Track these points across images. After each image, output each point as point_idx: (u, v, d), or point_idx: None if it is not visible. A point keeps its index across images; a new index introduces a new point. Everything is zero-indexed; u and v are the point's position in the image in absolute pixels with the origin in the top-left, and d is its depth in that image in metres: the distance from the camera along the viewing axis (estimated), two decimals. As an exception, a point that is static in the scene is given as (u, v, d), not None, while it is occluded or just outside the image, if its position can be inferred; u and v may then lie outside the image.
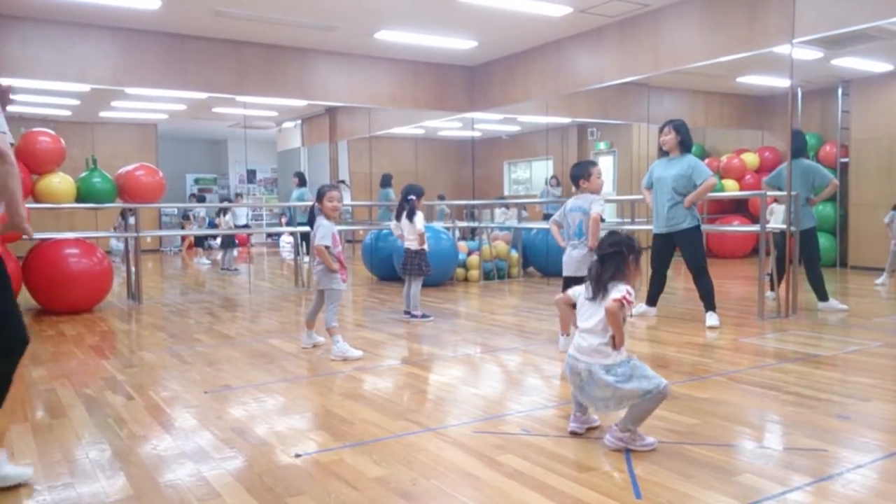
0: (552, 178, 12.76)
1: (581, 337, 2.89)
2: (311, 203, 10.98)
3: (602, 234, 4.75)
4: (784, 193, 6.10)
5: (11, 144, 2.52)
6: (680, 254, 5.87)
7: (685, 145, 5.74)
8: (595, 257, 2.97)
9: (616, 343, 2.81)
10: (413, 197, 6.16)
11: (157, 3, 7.09)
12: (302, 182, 12.44)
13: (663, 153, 5.83)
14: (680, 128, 5.72)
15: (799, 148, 6.39)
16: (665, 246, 5.88)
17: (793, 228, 6.02)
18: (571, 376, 2.93)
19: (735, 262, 11.26)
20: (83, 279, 6.81)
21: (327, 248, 4.68)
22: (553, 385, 3.96)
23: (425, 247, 6.15)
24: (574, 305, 3.03)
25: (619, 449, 2.77)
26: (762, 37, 6.62)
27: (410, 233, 6.14)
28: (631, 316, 2.87)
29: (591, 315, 2.88)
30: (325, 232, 4.70)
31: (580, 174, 4.68)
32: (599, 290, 2.86)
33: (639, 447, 2.77)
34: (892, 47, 8.38)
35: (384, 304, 7.24)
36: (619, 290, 2.79)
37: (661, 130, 5.80)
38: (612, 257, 2.87)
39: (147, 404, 3.62)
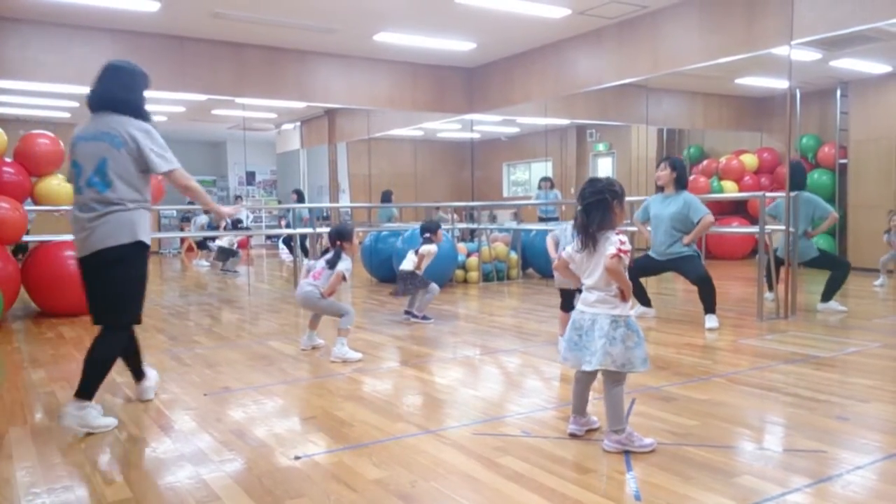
0: (544, 180, 12.69)
1: (588, 292, 2.89)
2: (306, 208, 11.02)
3: None
4: (782, 228, 6.09)
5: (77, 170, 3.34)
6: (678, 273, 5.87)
7: (680, 182, 5.76)
8: (578, 209, 2.92)
9: (624, 295, 2.80)
10: (429, 234, 6.19)
11: (155, 6, 7.10)
12: (300, 199, 12.46)
13: (658, 188, 5.85)
14: (676, 164, 5.78)
15: (798, 179, 6.38)
16: (653, 266, 5.90)
17: (792, 229, 6.03)
18: (571, 332, 2.90)
19: (734, 263, 11.27)
20: (82, 281, 6.80)
21: (345, 280, 4.80)
22: (553, 387, 3.96)
23: (419, 271, 6.12)
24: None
25: (619, 451, 2.77)
26: (761, 38, 6.63)
27: (411, 257, 6.13)
28: (627, 267, 2.84)
29: (591, 271, 2.85)
30: (350, 264, 4.82)
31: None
32: (588, 240, 2.83)
33: (637, 448, 2.76)
34: (891, 48, 8.40)
35: (384, 305, 7.24)
36: (612, 244, 2.76)
37: (658, 165, 5.83)
38: (597, 205, 2.82)
39: (146, 407, 3.62)
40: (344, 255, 4.83)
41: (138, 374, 3.67)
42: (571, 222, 4.63)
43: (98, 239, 3.19)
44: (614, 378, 2.82)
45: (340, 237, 4.87)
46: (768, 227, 6.08)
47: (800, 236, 6.19)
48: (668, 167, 5.75)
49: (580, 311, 2.90)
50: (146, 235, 3.30)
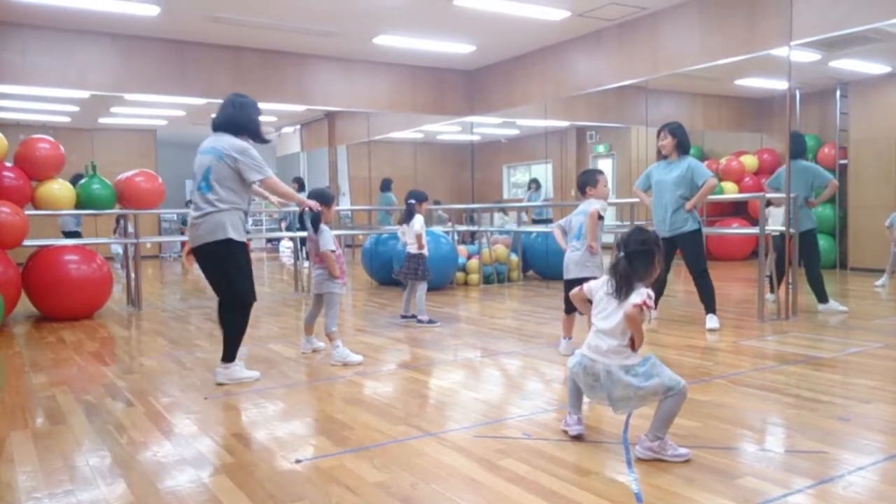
0: (532, 181, 12.74)
1: (598, 337, 2.81)
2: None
3: (602, 234, 4.73)
4: (783, 195, 6.11)
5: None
6: (681, 256, 5.88)
7: (683, 147, 5.75)
8: (620, 255, 2.82)
9: (635, 345, 2.76)
10: (413, 201, 6.19)
11: (155, 10, 7.11)
12: (301, 187, 12.47)
13: (662, 156, 5.84)
14: (676, 131, 5.73)
15: (798, 149, 6.40)
16: (666, 249, 5.87)
17: (792, 231, 6.03)
18: (584, 376, 2.84)
19: (735, 264, 11.27)
20: (83, 285, 6.80)
21: (333, 252, 4.70)
22: (554, 388, 3.95)
23: (425, 251, 6.14)
24: (590, 301, 2.96)
25: (651, 459, 2.70)
26: (760, 39, 6.63)
27: (410, 236, 6.16)
28: (650, 320, 2.82)
29: (609, 315, 2.79)
30: (330, 237, 4.72)
31: (587, 181, 4.69)
32: (624, 288, 2.76)
33: (671, 457, 2.69)
34: (890, 49, 8.40)
35: (384, 308, 7.24)
36: (639, 294, 2.71)
37: (658, 135, 5.81)
38: (643, 256, 2.76)
39: (147, 410, 3.62)
40: (322, 226, 4.73)
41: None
42: (576, 212, 4.65)
43: (201, 235, 4.02)
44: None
45: (320, 200, 4.78)
46: (768, 228, 6.07)
47: (800, 206, 6.18)
48: (668, 135, 5.71)
49: (591, 359, 2.82)
50: (236, 233, 4.03)
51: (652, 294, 2.75)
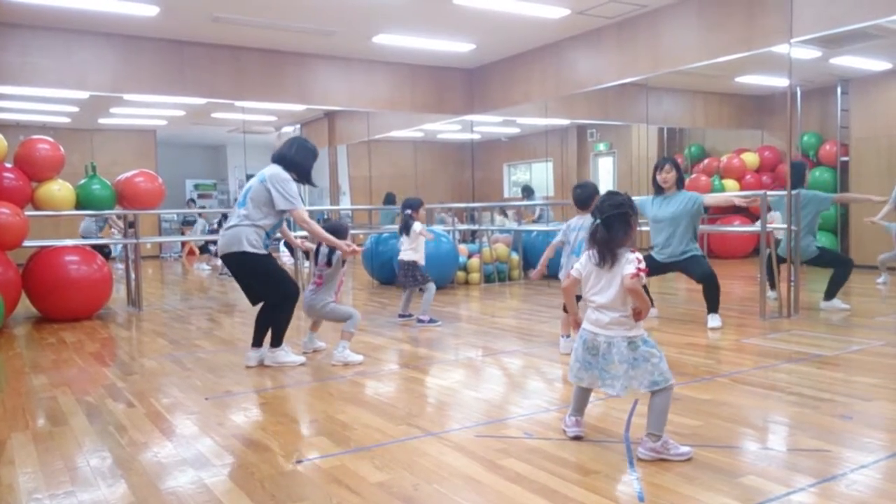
0: (524, 189, 12.75)
1: (599, 311, 2.78)
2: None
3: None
4: (784, 227, 6.09)
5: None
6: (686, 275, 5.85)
7: (681, 182, 5.77)
8: (597, 223, 2.80)
9: (641, 314, 2.74)
10: (409, 211, 6.18)
11: (154, 10, 7.10)
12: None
13: (657, 189, 5.78)
14: (676, 164, 5.78)
15: (798, 178, 6.35)
16: (657, 268, 5.81)
17: (794, 227, 6.02)
18: (584, 352, 2.82)
19: (736, 262, 11.25)
20: (83, 286, 6.80)
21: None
22: (555, 388, 3.95)
23: (418, 258, 6.13)
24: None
25: (655, 459, 2.68)
26: (760, 36, 6.62)
27: (407, 244, 6.14)
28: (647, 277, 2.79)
29: (604, 289, 2.76)
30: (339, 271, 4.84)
31: (594, 193, 4.57)
32: (608, 256, 2.74)
33: (673, 456, 2.68)
34: (891, 45, 8.38)
35: (385, 308, 7.23)
36: (630, 263, 2.70)
37: (660, 168, 5.74)
38: (619, 219, 2.74)
39: (148, 411, 3.61)
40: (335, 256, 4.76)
41: (258, 342, 4.66)
42: (572, 222, 4.63)
43: (223, 245, 4.47)
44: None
45: (336, 234, 4.75)
46: (769, 226, 6.06)
47: (804, 235, 6.17)
48: (673, 169, 5.72)
49: (592, 333, 2.80)
50: (251, 246, 4.38)
51: (640, 257, 2.74)
